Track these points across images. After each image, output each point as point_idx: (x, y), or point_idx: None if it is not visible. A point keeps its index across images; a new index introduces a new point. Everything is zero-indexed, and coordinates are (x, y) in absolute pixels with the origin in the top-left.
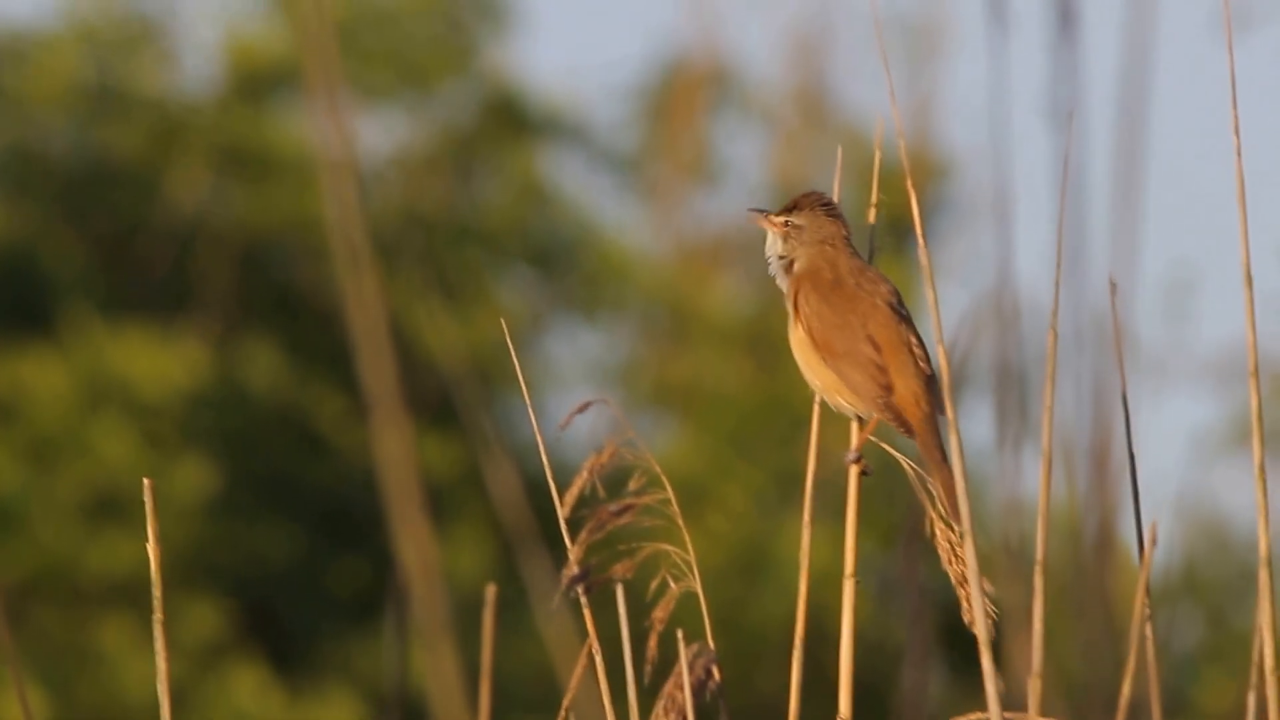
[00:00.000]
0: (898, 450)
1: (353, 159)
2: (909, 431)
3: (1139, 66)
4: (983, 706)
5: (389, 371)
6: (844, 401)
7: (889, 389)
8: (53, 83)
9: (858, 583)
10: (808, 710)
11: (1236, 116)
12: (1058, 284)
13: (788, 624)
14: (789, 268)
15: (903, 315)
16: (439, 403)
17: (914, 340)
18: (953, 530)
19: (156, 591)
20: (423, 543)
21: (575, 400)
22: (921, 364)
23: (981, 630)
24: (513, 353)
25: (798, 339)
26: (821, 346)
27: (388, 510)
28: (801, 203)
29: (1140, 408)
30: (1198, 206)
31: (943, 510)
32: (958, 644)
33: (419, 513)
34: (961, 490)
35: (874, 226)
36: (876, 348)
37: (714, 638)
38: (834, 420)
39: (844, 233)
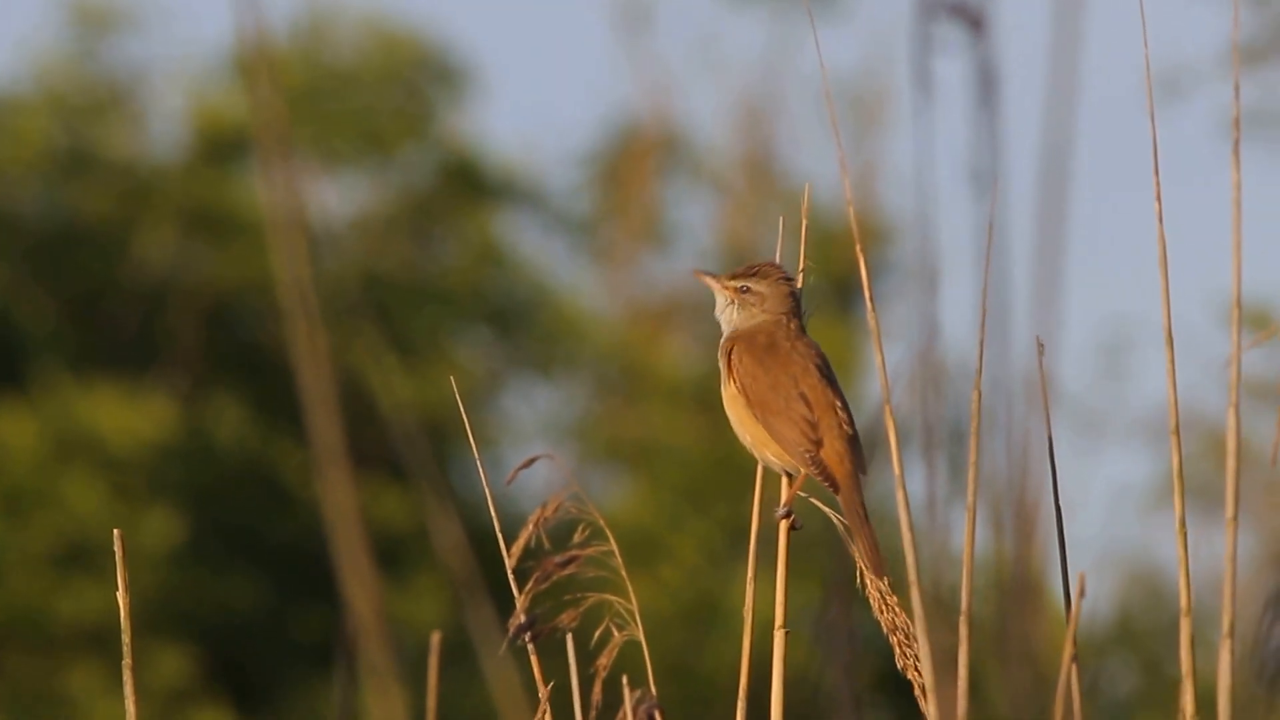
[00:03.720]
0: (828, 506)
1: (303, 220)
2: (834, 487)
3: (1061, 131)
4: None
5: (336, 427)
6: (771, 455)
7: (818, 444)
8: (23, 146)
9: (788, 633)
10: None
11: (1158, 183)
12: (981, 344)
13: (737, 670)
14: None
15: (829, 378)
16: (399, 458)
17: (839, 403)
18: (882, 581)
19: (126, 638)
20: (372, 591)
21: (530, 455)
22: (845, 426)
23: (928, 677)
24: (462, 409)
25: (730, 395)
26: (756, 403)
27: (338, 560)
28: (765, 271)
29: (1073, 464)
30: (1136, 265)
31: (867, 563)
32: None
33: (368, 562)
34: (908, 541)
35: (803, 289)
36: (809, 405)
37: (666, 684)
38: (779, 476)
39: (796, 306)
